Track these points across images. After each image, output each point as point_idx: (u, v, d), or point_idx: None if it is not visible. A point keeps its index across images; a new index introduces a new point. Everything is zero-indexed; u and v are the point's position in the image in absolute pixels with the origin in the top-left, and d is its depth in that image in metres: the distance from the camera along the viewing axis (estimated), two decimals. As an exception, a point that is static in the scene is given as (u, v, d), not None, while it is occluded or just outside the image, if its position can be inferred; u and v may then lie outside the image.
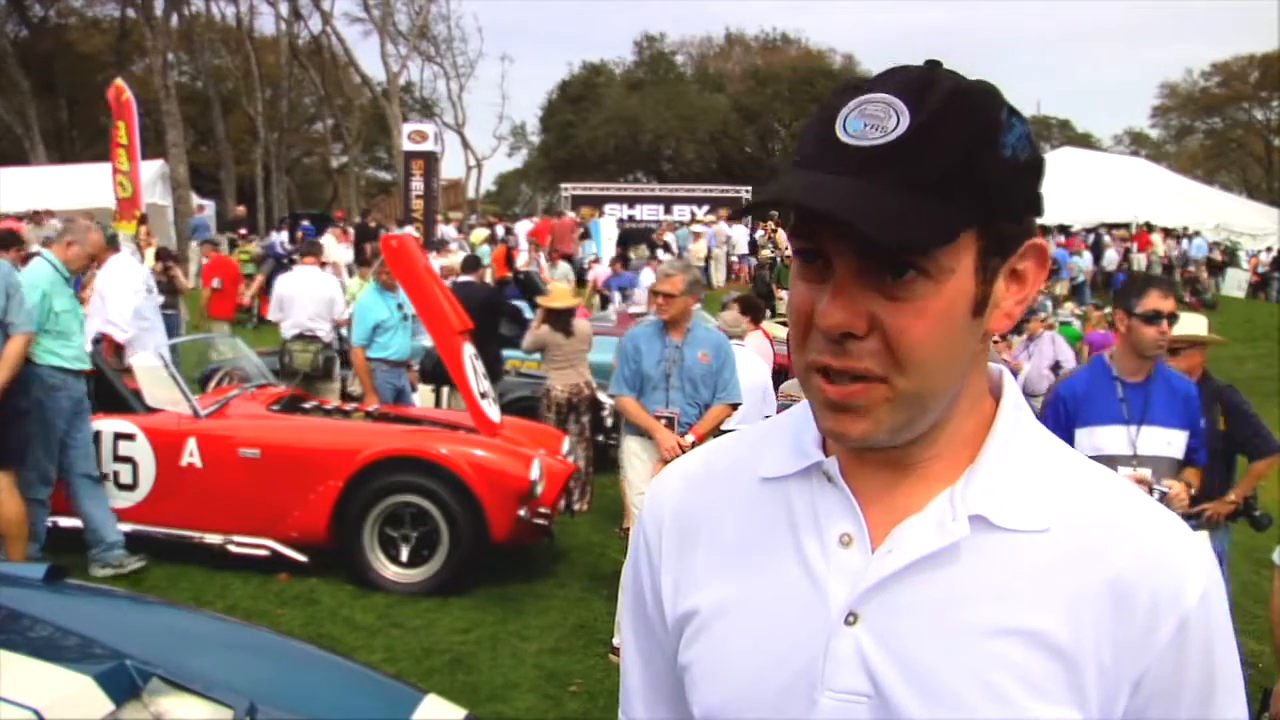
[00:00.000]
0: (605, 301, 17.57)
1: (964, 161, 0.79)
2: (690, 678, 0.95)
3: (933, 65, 0.84)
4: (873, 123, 0.80)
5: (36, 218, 15.41)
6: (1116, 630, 0.82)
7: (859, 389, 0.83)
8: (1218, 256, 26.09)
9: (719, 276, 21.61)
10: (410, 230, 16.67)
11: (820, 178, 0.80)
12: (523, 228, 24.09)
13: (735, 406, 5.23)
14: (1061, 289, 20.56)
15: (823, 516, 0.89)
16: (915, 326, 0.80)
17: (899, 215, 0.77)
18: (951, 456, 0.89)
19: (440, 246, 18.36)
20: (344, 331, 8.74)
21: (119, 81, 15.42)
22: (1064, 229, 25.32)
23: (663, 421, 5.01)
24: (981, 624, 0.83)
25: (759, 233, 24.01)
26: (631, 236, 22.91)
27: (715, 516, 0.96)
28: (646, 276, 17.56)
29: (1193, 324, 4.64)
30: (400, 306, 7.52)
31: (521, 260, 19.22)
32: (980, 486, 0.87)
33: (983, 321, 0.85)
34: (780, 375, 7.10)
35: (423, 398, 7.92)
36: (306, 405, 6.73)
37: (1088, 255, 23.82)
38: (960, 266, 0.81)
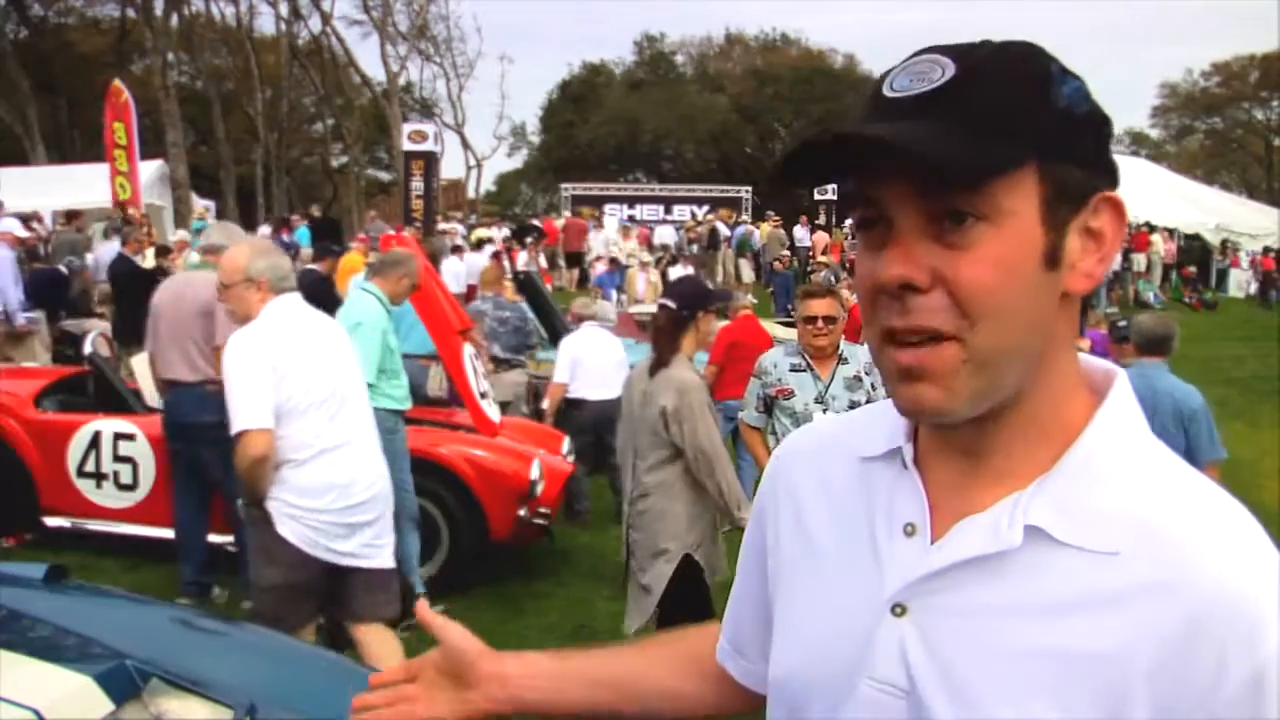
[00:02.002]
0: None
1: (1013, 102, 0.78)
2: (775, 624, 0.99)
3: (982, 41, 0.83)
4: (919, 76, 0.79)
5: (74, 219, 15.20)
6: (1178, 667, 0.75)
7: (928, 352, 0.79)
8: (1219, 256, 26.08)
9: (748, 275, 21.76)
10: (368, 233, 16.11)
11: (867, 124, 0.79)
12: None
13: None
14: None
15: (895, 503, 0.88)
16: (978, 273, 0.77)
17: (950, 144, 0.75)
18: (1033, 453, 0.83)
19: (456, 250, 18.42)
20: None
21: (117, 82, 15.45)
22: None
23: None
24: (1023, 642, 0.79)
25: (743, 227, 23.99)
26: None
27: (817, 491, 0.98)
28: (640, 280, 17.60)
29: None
30: None
31: (522, 260, 19.24)
32: (1050, 495, 0.81)
33: (1058, 278, 0.80)
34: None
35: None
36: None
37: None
38: (1023, 211, 0.78)
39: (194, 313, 5.02)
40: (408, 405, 5.08)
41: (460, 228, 22.67)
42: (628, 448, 4.18)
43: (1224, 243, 26.41)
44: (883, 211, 0.80)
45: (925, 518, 0.86)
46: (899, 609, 0.85)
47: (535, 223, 23.44)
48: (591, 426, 7.05)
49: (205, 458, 5.03)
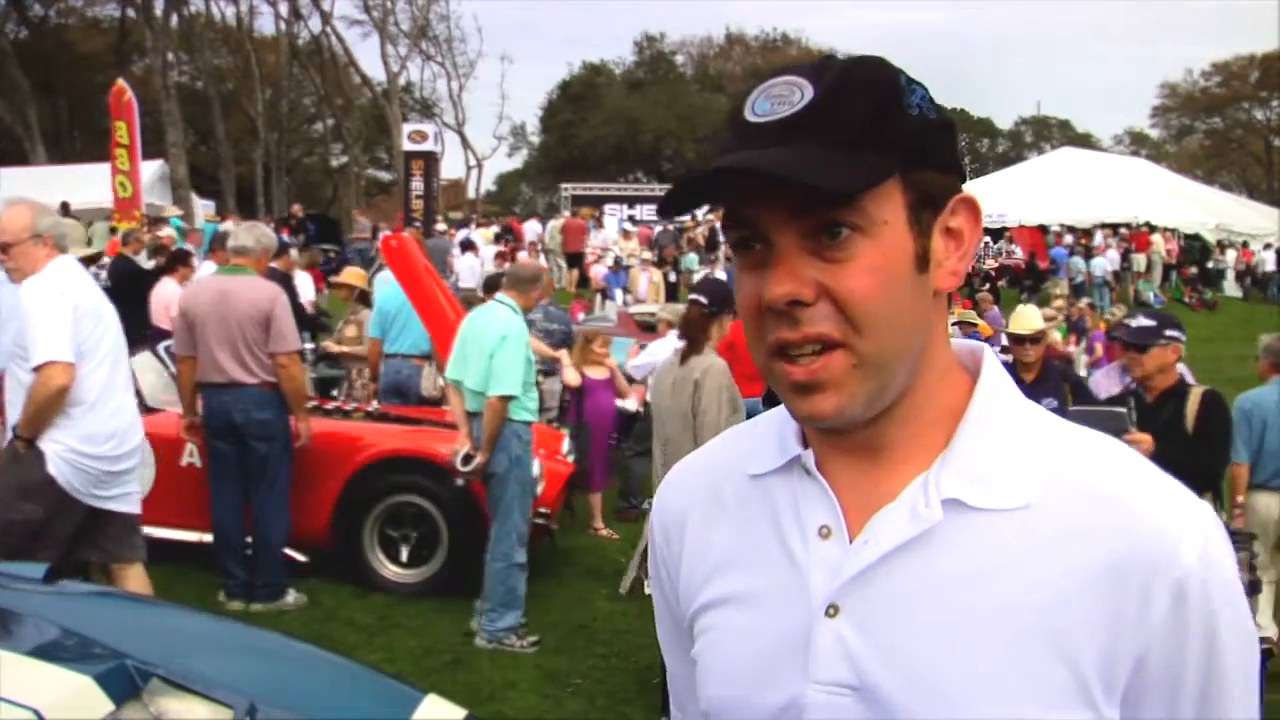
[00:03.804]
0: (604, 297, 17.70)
1: (872, 120, 0.81)
2: (697, 673, 0.97)
3: (827, 56, 0.87)
4: (779, 100, 0.83)
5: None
6: (1111, 606, 0.79)
7: (822, 364, 0.82)
8: (1219, 256, 26.10)
9: None
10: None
11: (737, 154, 0.82)
12: (531, 228, 24.13)
13: None
14: (1061, 289, 20.57)
15: (803, 510, 0.90)
16: (861, 283, 0.81)
17: (819, 165, 0.78)
18: (925, 438, 0.87)
19: (470, 246, 18.48)
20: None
21: (120, 82, 15.47)
22: (1075, 230, 25.27)
23: None
24: (963, 611, 0.82)
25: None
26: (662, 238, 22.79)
27: (710, 517, 0.97)
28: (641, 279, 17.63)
29: (1030, 318, 5.36)
30: None
31: (522, 260, 19.27)
32: (954, 468, 0.85)
33: (928, 279, 0.85)
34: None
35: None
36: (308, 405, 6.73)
37: (1113, 255, 23.60)
38: (892, 219, 0.82)
39: (245, 317, 5.19)
40: (537, 418, 5.17)
41: (443, 228, 22.63)
42: (658, 439, 4.39)
43: (1218, 243, 26.43)
44: (760, 232, 0.83)
45: (839, 518, 0.88)
46: (832, 610, 0.86)
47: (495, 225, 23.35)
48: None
49: (263, 452, 5.28)
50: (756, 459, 0.95)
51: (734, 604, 0.93)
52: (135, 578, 4.03)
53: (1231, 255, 26.17)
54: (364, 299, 8.08)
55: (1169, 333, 4.42)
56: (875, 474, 0.88)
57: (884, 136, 0.81)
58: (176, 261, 9.62)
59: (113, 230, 14.97)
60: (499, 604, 4.97)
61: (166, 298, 8.95)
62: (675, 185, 0.85)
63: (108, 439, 3.80)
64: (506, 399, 4.79)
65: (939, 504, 0.84)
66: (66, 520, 3.81)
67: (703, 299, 4.29)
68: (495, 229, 22.52)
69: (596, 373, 7.43)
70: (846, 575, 0.85)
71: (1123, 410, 4.34)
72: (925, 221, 0.84)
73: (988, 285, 18.87)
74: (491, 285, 9.14)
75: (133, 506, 4.00)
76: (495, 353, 4.79)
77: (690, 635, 0.98)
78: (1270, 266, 25.77)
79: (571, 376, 7.56)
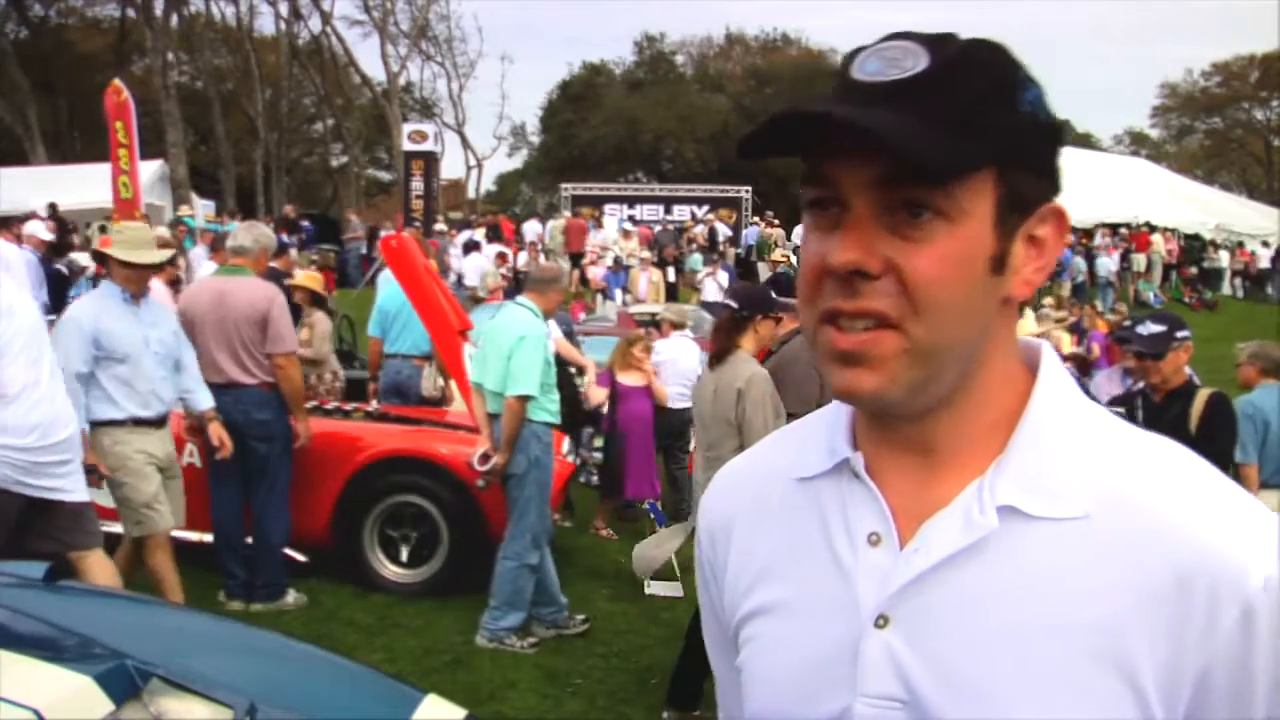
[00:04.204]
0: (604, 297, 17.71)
1: (982, 103, 0.78)
2: (742, 682, 0.94)
3: (947, 32, 0.83)
4: (891, 62, 0.78)
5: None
6: (1174, 621, 0.76)
7: (870, 338, 0.79)
8: (1215, 255, 26.08)
9: None
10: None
11: (837, 108, 0.78)
12: (531, 228, 24.11)
13: None
14: (1063, 289, 20.56)
15: (852, 515, 0.87)
16: (930, 266, 0.77)
17: (923, 137, 0.74)
18: (982, 442, 0.84)
19: (475, 246, 18.52)
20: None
21: (117, 82, 15.44)
22: (1077, 230, 25.24)
23: None
24: (1018, 622, 0.79)
25: (754, 228, 24.02)
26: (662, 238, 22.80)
27: (757, 522, 0.95)
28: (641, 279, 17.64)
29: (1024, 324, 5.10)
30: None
31: (522, 260, 19.28)
32: (1011, 474, 0.82)
33: (1001, 283, 0.81)
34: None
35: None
36: (307, 405, 6.72)
37: (1114, 255, 23.59)
38: (977, 213, 0.79)
39: (242, 318, 5.22)
40: (558, 420, 5.18)
41: (442, 228, 22.61)
42: (700, 445, 4.43)
43: (1210, 242, 26.39)
44: (837, 194, 0.80)
45: (889, 524, 0.85)
46: (881, 620, 0.83)
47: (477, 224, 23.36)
48: (680, 432, 7.28)
49: (263, 453, 5.32)
50: (803, 462, 0.92)
51: (779, 612, 0.90)
52: (96, 564, 4.05)
53: (1225, 255, 26.15)
54: (319, 303, 8.03)
55: (1180, 335, 4.44)
56: (927, 478, 0.85)
57: (989, 125, 0.78)
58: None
59: (102, 229, 14.92)
60: (504, 603, 4.97)
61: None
62: (763, 122, 0.79)
63: (30, 431, 3.83)
64: (524, 399, 4.83)
65: (994, 511, 0.81)
66: (3, 513, 3.87)
67: (734, 304, 4.32)
68: (483, 229, 22.48)
69: (633, 379, 7.26)
70: (896, 585, 0.82)
71: (1121, 410, 4.34)
72: (1011, 223, 0.81)
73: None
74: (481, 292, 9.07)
75: (78, 495, 4.03)
76: (513, 353, 4.83)
77: (735, 643, 0.96)
78: (1264, 264, 25.79)
79: (596, 394, 7.50)
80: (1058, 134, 0.84)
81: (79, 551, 4.03)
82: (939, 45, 0.79)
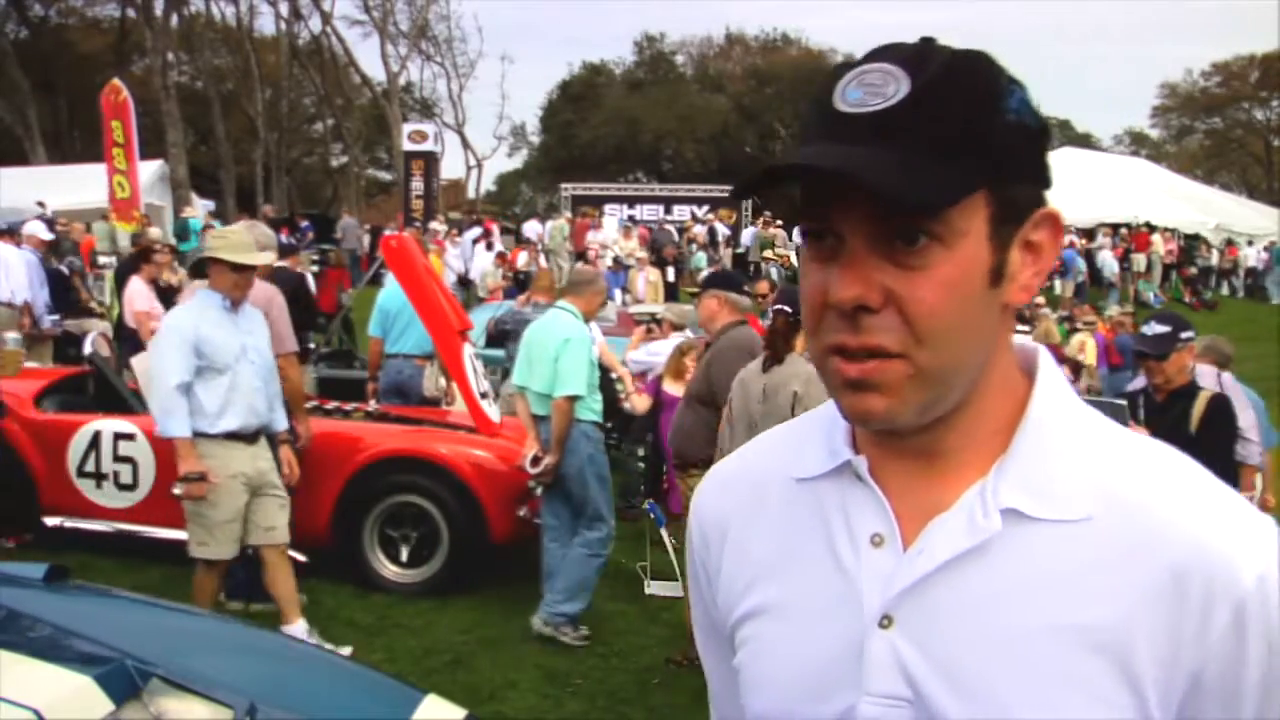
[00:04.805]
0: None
1: (968, 124, 0.78)
2: (740, 682, 0.94)
3: (926, 40, 0.82)
4: (872, 90, 0.78)
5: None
6: (1170, 621, 0.77)
7: (876, 366, 0.80)
8: (1215, 257, 26.07)
9: None
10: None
11: (824, 146, 0.79)
12: (531, 228, 24.11)
13: None
14: (1066, 290, 20.55)
15: (854, 517, 0.87)
16: (931, 295, 0.78)
17: (908, 174, 0.75)
18: (984, 444, 0.85)
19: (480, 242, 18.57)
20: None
21: (115, 81, 15.45)
22: (1078, 230, 25.24)
23: None
24: (1021, 623, 0.80)
25: (753, 228, 24.01)
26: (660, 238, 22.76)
27: (753, 522, 0.95)
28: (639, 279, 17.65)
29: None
30: None
31: (522, 260, 19.28)
32: (1013, 477, 0.83)
33: (1000, 293, 0.82)
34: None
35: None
36: (307, 405, 6.72)
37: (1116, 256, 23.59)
38: (973, 231, 0.79)
39: None
40: (601, 419, 5.28)
41: (440, 227, 22.58)
42: (738, 442, 4.35)
43: (1204, 242, 26.36)
44: (833, 227, 0.80)
45: (893, 526, 0.85)
46: (885, 620, 0.83)
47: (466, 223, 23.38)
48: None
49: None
50: (803, 462, 0.92)
51: (779, 613, 0.90)
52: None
53: (1216, 255, 26.15)
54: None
55: (1184, 335, 4.44)
56: (930, 480, 0.86)
57: (977, 145, 0.78)
58: (139, 259, 9.49)
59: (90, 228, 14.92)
60: (567, 589, 5.07)
61: (131, 296, 8.89)
62: (755, 173, 0.82)
63: None
64: (573, 399, 4.95)
65: (998, 514, 0.82)
66: None
67: (787, 309, 4.45)
68: (474, 230, 22.46)
69: (678, 388, 6.78)
70: (900, 586, 0.83)
71: (1122, 403, 4.34)
72: (1006, 233, 0.81)
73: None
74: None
75: None
76: (560, 355, 4.97)
77: (731, 644, 0.96)
78: (1253, 263, 25.78)
79: (640, 402, 7.36)
80: (1045, 134, 0.84)
81: None
82: (919, 65, 0.79)
